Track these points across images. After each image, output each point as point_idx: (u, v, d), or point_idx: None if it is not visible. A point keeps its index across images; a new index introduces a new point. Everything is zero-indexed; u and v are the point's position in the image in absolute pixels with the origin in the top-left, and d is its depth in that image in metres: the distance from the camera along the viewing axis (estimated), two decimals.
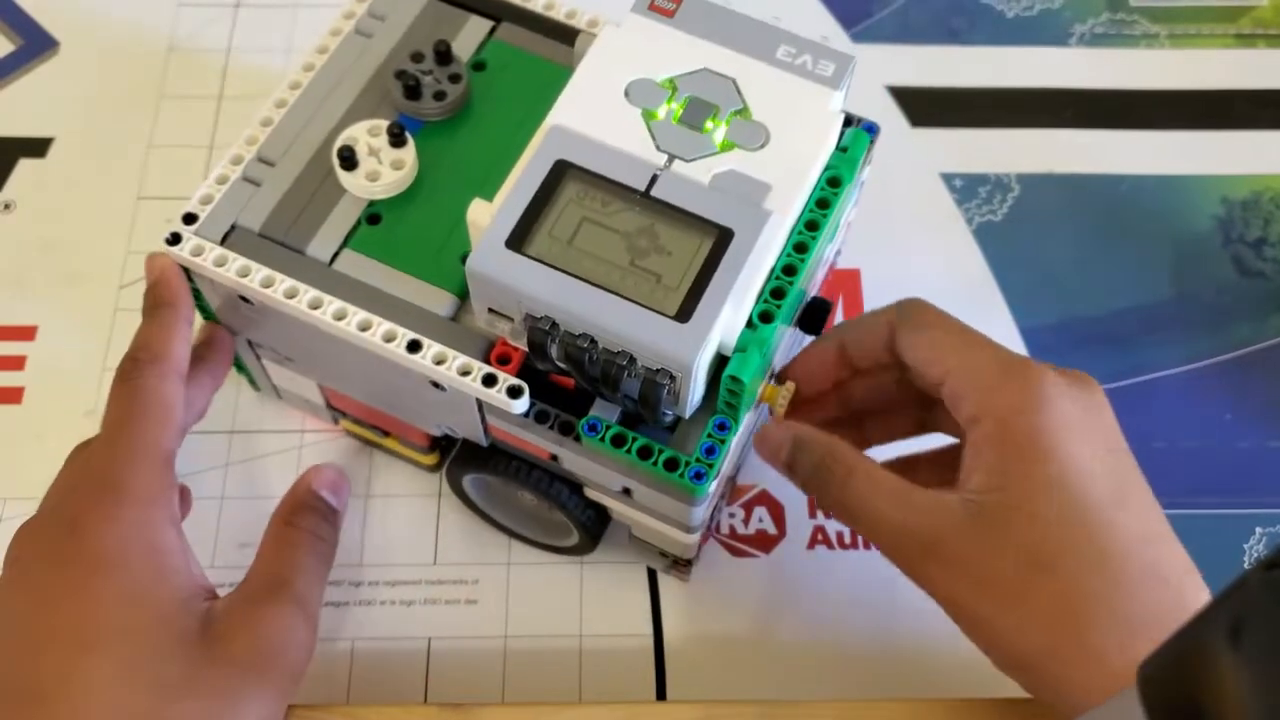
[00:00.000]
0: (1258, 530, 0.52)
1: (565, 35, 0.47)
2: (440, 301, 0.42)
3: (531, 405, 0.40)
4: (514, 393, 0.39)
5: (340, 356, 0.43)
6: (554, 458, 0.43)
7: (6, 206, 0.58)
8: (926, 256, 0.58)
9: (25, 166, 0.60)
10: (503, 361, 0.40)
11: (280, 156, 0.44)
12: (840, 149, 0.42)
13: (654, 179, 0.39)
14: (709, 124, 0.40)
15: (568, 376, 0.40)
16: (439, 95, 0.45)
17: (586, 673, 0.48)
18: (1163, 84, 0.63)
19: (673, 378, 0.37)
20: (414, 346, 0.40)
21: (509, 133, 0.45)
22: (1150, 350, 0.56)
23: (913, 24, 0.65)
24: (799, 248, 0.40)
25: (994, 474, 0.38)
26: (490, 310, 0.39)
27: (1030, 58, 0.64)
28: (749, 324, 0.39)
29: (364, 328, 0.40)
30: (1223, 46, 0.64)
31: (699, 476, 0.39)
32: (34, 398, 0.54)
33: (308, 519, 0.44)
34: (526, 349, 0.39)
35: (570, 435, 0.40)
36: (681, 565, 0.48)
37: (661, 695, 0.48)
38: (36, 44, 0.63)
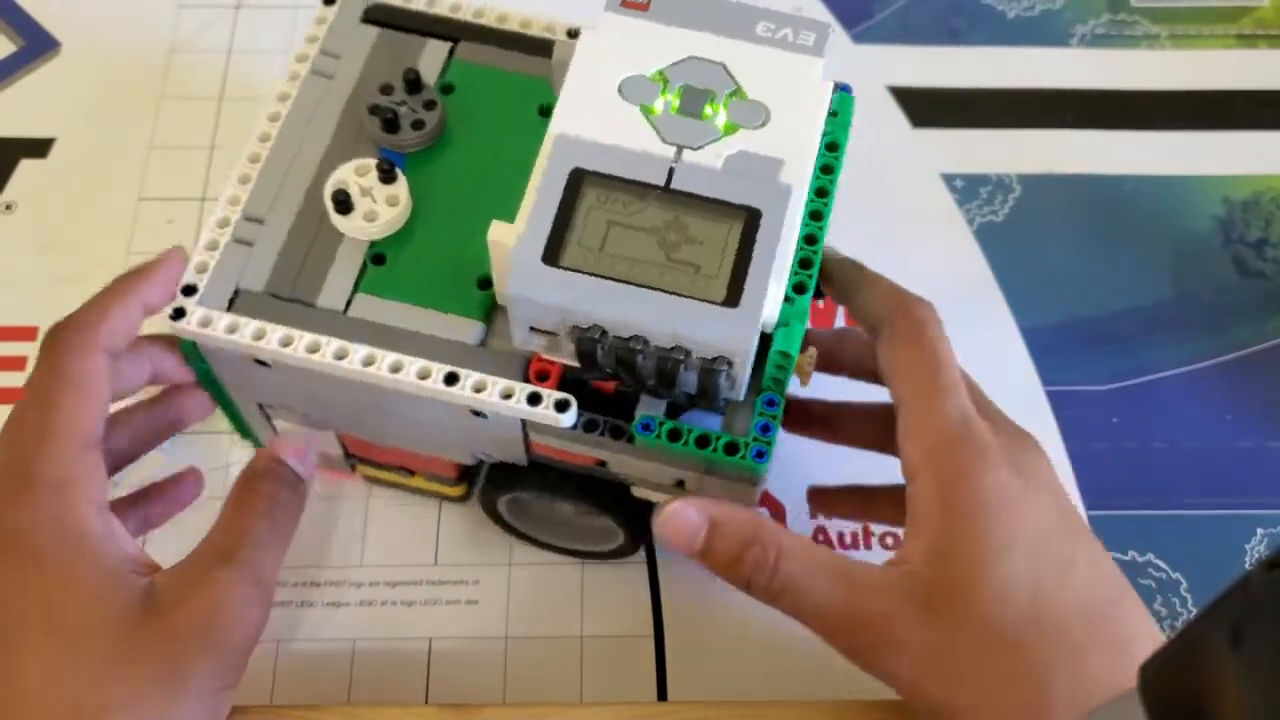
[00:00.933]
0: (1259, 531, 0.52)
1: (525, 45, 0.46)
2: (465, 329, 0.41)
3: (579, 416, 0.40)
4: (562, 407, 0.39)
5: (366, 403, 0.43)
6: (601, 463, 0.43)
7: (8, 207, 0.58)
8: (927, 257, 0.58)
9: (26, 167, 0.60)
10: (542, 378, 0.40)
11: (268, 212, 0.43)
12: (830, 113, 0.43)
13: (671, 172, 0.39)
14: (708, 110, 0.40)
15: (609, 381, 0.40)
16: (417, 124, 0.44)
17: (587, 673, 0.48)
18: (1164, 84, 0.63)
19: (730, 364, 0.37)
20: (451, 379, 0.40)
21: (492, 150, 0.44)
22: (1151, 351, 0.56)
23: (913, 24, 0.65)
24: (814, 215, 0.41)
25: (939, 544, 0.37)
26: (531, 329, 0.39)
27: (1031, 58, 0.64)
28: (785, 298, 0.39)
29: (395, 369, 0.40)
30: (1224, 47, 0.64)
31: (760, 455, 0.39)
32: None
33: (267, 484, 0.42)
34: (566, 362, 0.39)
35: (621, 438, 0.40)
36: None
37: (662, 695, 0.48)
38: (37, 45, 0.63)
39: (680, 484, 0.43)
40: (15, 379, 0.54)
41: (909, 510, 0.38)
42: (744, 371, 0.38)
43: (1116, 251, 0.58)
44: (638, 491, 0.44)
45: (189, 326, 0.41)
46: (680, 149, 0.39)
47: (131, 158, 0.60)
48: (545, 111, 0.45)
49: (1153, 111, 0.62)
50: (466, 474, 0.49)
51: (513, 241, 0.38)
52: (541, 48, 0.46)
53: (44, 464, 0.39)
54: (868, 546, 0.51)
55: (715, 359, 0.37)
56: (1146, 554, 0.51)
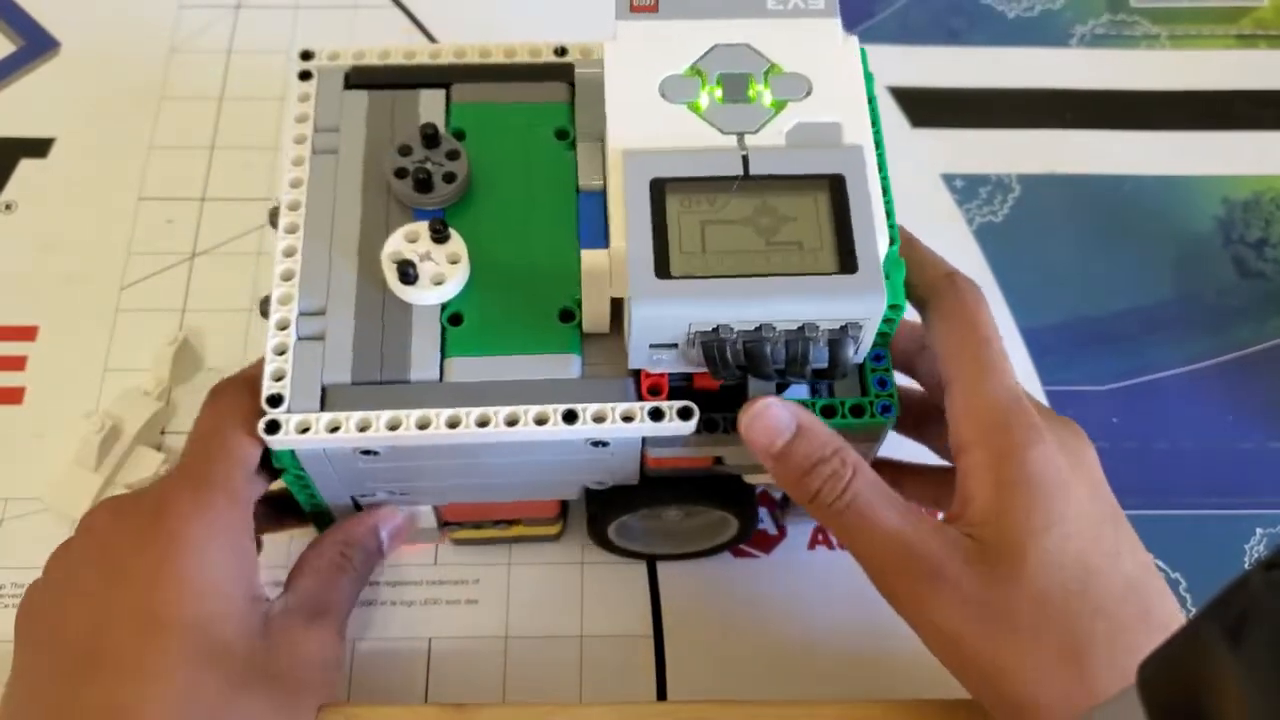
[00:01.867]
0: (1258, 531, 0.52)
1: (517, 74, 0.46)
2: (563, 365, 0.41)
3: (700, 419, 0.40)
4: (685, 414, 0.40)
5: (477, 465, 0.42)
6: (718, 460, 0.43)
7: (8, 207, 0.58)
8: None
9: (26, 167, 0.60)
10: (654, 392, 0.40)
11: (326, 302, 0.41)
12: None
13: (745, 159, 0.39)
14: (752, 92, 0.40)
15: (715, 379, 0.40)
16: (449, 177, 0.43)
17: (587, 672, 0.48)
18: (1163, 84, 0.63)
19: (860, 328, 0.38)
20: (570, 417, 0.39)
21: (522, 183, 0.44)
22: (1152, 351, 0.56)
23: (913, 25, 0.65)
24: None
25: (991, 510, 0.37)
26: (651, 346, 0.39)
27: (1031, 58, 0.64)
28: None
29: (512, 422, 0.39)
30: (1223, 47, 0.64)
31: (886, 409, 0.41)
32: (35, 398, 0.54)
33: (359, 556, 0.44)
34: (671, 371, 0.40)
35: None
36: None
37: (662, 695, 0.48)
38: (37, 44, 0.63)
39: None
40: (16, 379, 0.54)
41: (959, 483, 0.39)
42: (871, 332, 0.38)
43: (1116, 252, 0.58)
44: (749, 479, 0.45)
45: (288, 437, 0.39)
46: (741, 135, 0.40)
47: (131, 158, 0.60)
48: (562, 134, 0.44)
49: (1153, 112, 0.62)
50: (564, 510, 0.49)
51: (607, 267, 0.38)
52: (533, 73, 0.46)
53: (225, 479, 0.40)
54: None
55: (843, 328, 0.38)
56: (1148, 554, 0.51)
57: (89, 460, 0.50)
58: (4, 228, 0.58)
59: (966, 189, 0.60)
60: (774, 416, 0.39)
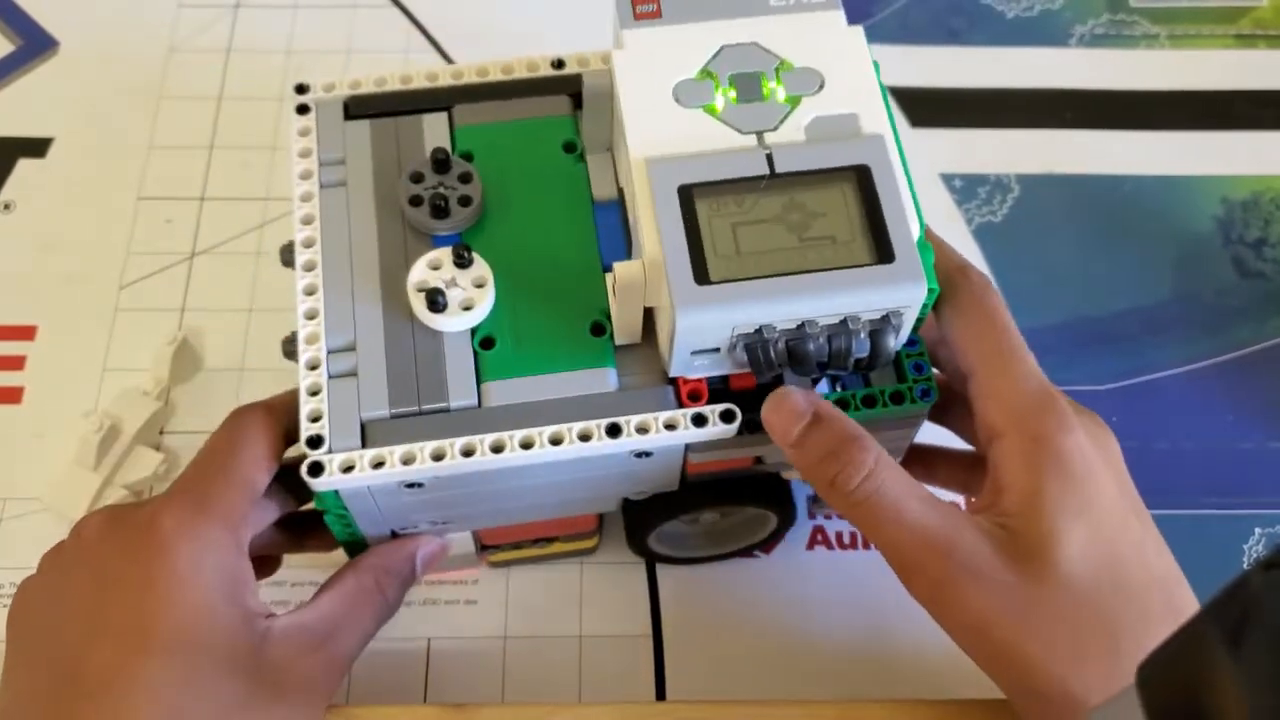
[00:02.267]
0: (1257, 530, 0.52)
1: (517, 91, 0.46)
2: (601, 380, 0.40)
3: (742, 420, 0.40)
4: (728, 418, 0.40)
5: (519, 487, 0.42)
6: (758, 460, 0.43)
7: (6, 206, 0.58)
8: None
9: (25, 166, 0.60)
10: (694, 397, 0.40)
11: (353, 337, 0.41)
12: None
13: (769, 158, 0.39)
14: (765, 90, 0.40)
15: (751, 379, 0.40)
16: (464, 201, 0.42)
17: (586, 673, 0.48)
18: (1163, 84, 0.63)
19: (900, 317, 0.38)
20: (614, 430, 0.39)
21: (539, 200, 0.43)
22: (1151, 351, 0.56)
23: (912, 24, 0.65)
24: None
25: (1026, 497, 0.37)
26: (693, 353, 0.39)
27: (1030, 58, 0.64)
28: None
29: (557, 441, 0.39)
30: (1223, 47, 0.64)
31: (925, 394, 0.41)
32: (34, 398, 0.54)
33: (392, 585, 0.44)
34: (708, 375, 0.40)
35: None
36: None
37: (661, 695, 0.48)
38: (36, 44, 0.63)
39: None
40: (15, 378, 0.54)
41: (992, 471, 0.39)
42: (912, 319, 0.39)
43: (1116, 252, 0.58)
44: (789, 474, 0.45)
45: (333, 478, 0.38)
46: (760, 134, 0.40)
47: (130, 157, 0.60)
48: (569, 148, 0.44)
49: (1152, 111, 0.62)
50: (601, 523, 0.49)
51: (641, 277, 0.38)
52: (534, 88, 0.46)
53: (221, 499, 0.40)
54: (867, 547, 0.51)
55: (883, 318, 0.38)
56: None
57: (88, 460, 0.50)
58: (3, 227, 0.58)
59: (966, 189, 0.60)
60: (792, 405, 0.39)
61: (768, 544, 0.51)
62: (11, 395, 0.54)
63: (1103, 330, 0.56)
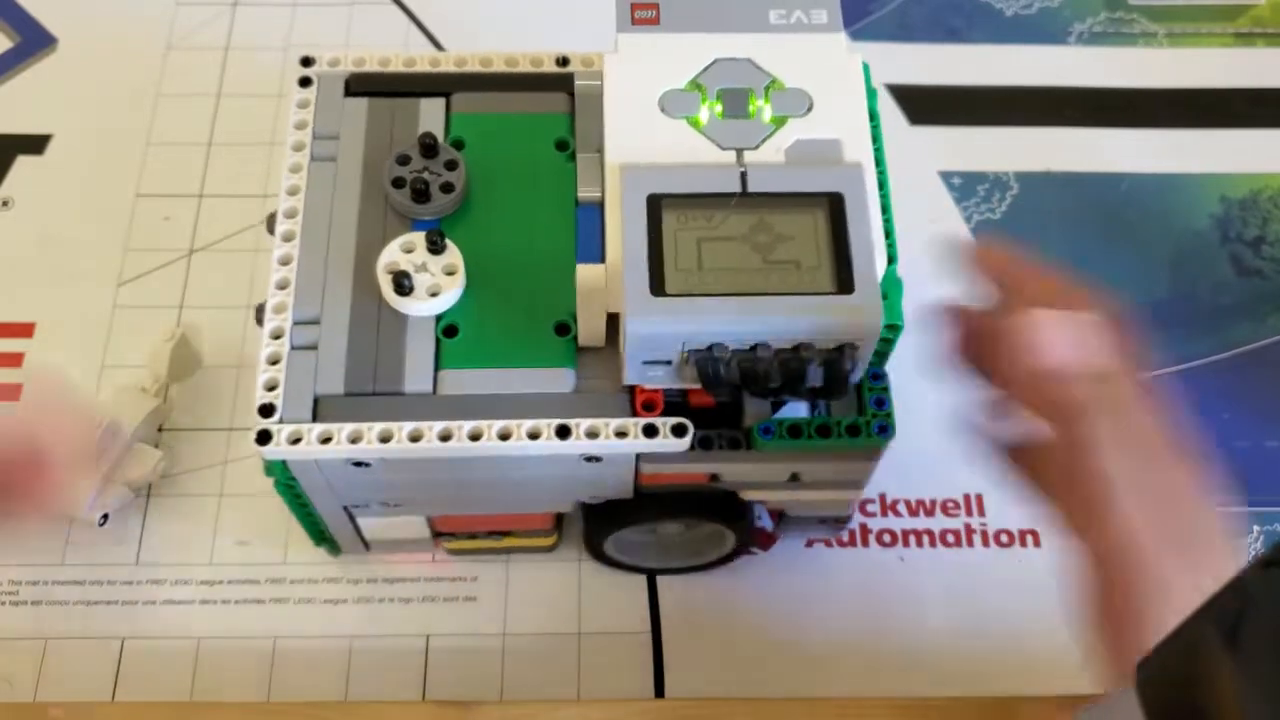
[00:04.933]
0: (1255, 529, 0.52)
1: (518, 84, 0.46)
2: (558, 380, 0.40)
3: (695, 436, 0.40)
4: (679, 431, 0.39)
5: (470, 478, 0.42)
6: (714, 477, 0.43)
7: (5, 203, 0.58)
8: (923, 253, 0.57)
9: (23, 163, 0.59)
10: (648, 408, 0.40)
11: (320, 312, 0.41)
12: None
13: (743, 176, 0.39)
14: (752, 108, 0.40)
15: (710, 396, 0.40)
16: (446, 188, 0.42)
17: (585, 670, 0.48)
18: (1161, 83, 0.63)
19: (855, 348, 0.37)
20: (563, 432, 0.39)
21: (521, 194, 0.43)
22: (1151, 349, 0.56)
23: (911, 22, 0.65)
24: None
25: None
26: (644, 363, 0.38)
27: (1029, 56, 0.64)
28: None
29: (505, 436, 0.39)
30: (1221, 45, 0.64)
31: (883, 429, 0.41)
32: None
33: None
34: (667, 387, 0.40)
35: (739, 448, 0.41)
36: (839, 522, 0.49)
37: (660, 692, 0.48)
38: (34, 41, 0.63)
39: (795, 477, 0.43)
40: (13, 375, 0.54)
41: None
42: (868, 352, 0.38)
43: (1114, 249, 0.58)
44: (746, 494, 0.45)
45: (279, 448, 0.39)
46: (740, 151, 0.39)
47: (129, 154, 0.60)
48: (562, 145, 0.44)
49: (1150, 109, 0.62)
50: (559, 522, 0.49)
51: (603, 282, 0.38)
52: (534, 83, 0.46)
53: None
54: (865, 545, 0.51)
55: (839, 348, 0.37)
56: None
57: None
58: (2, 225, 0.58)
59: (964, 186, 0.60)
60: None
61: (724, 562, 0.50)
62: (9, 392, 0.54)
63: None
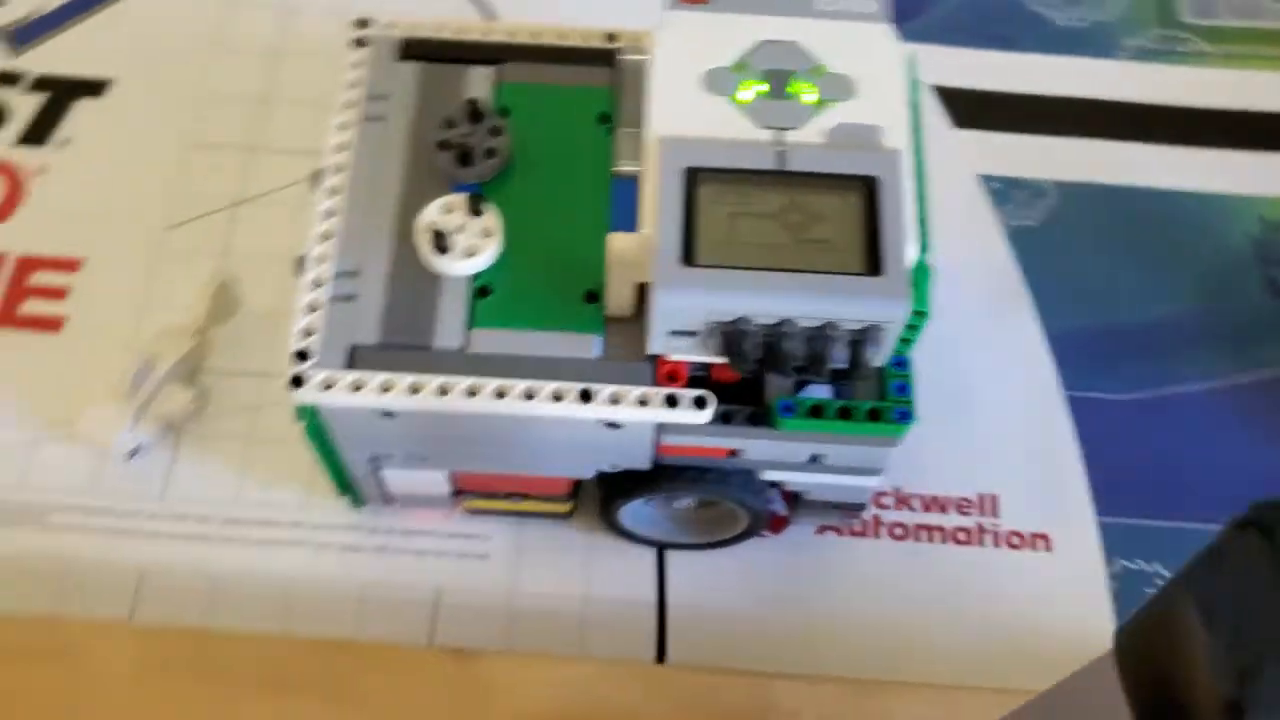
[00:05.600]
0: None
1: (567, 57, 0.47)
2: (584, 345, 0.41)
3: (716, 410, 0.41)
4: (700, 404, 0.40)
5: (493, 435, 0.43)
6: (733, 453, 0.43)
7: (64, 142, 0.60)
8: (958, 254, 0.58)
9: (84, 105, 0.61)
10: (672, 379, 0.41)
11: (360, 265, 0.43)
12: None
13: (781, 155, 0.39)
14: (795, 89, 0.41)
15: (735, 371, 0.40)
16: (489, 153, 0.44)
17: (587, 634, 0.49)
18: (1208, 102, 0.63)
19: (881, 331, 0.38)
20: (586, 396, 0.40)
21: (561, 164, 0.44)
22: (1175, 365, 0.56)
23: (962, 26, 0.65)
24: None
25: None
26: (670, 333, 0.39)
27: (1078, 67, 0.64)
28: None
29: (529, 396, 0.40)
30: (1272, 69, 0.64)
31: (904, 416, 0.41)
32: (73, 328, 0.55)
33: None
34: (691, 359, 0.40)
35: (760, 424, 0.41)
36: (853, 510, 0.49)
37: (661, 662, 0.49)
38: None
39: (814, 459, 0.44)
40: (59, 307, 0.55)
41: None
42: (893, 337, 0.39)
43: (1148, 264, 0.59)
44: (766, 474, 0.45)
45: (312, 392, 0.40)
46: (780, 131, 0.40)
47: (185, 104, 0.61)
48: (604, 119, 0.45)
49: (1196, 128, 0.62)
50: (576, 490, 0.49)
51: (634, 252, 0.39)
52: (582, 57, 0.47)
53: None
54: (876, 536, 0.52)
55: (865, 329, 0.38)
56: (1154, 563, 0.51)
57: (122, 390, 0.51)
58: (59, 163, 0.59)
59: (1003, 191, 0.60)
60: None
61: (735, 542, 0.50)
62: (53, 324, 0.55)
63: (1128, 340, 0.57)
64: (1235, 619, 0.19)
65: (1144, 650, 0.22)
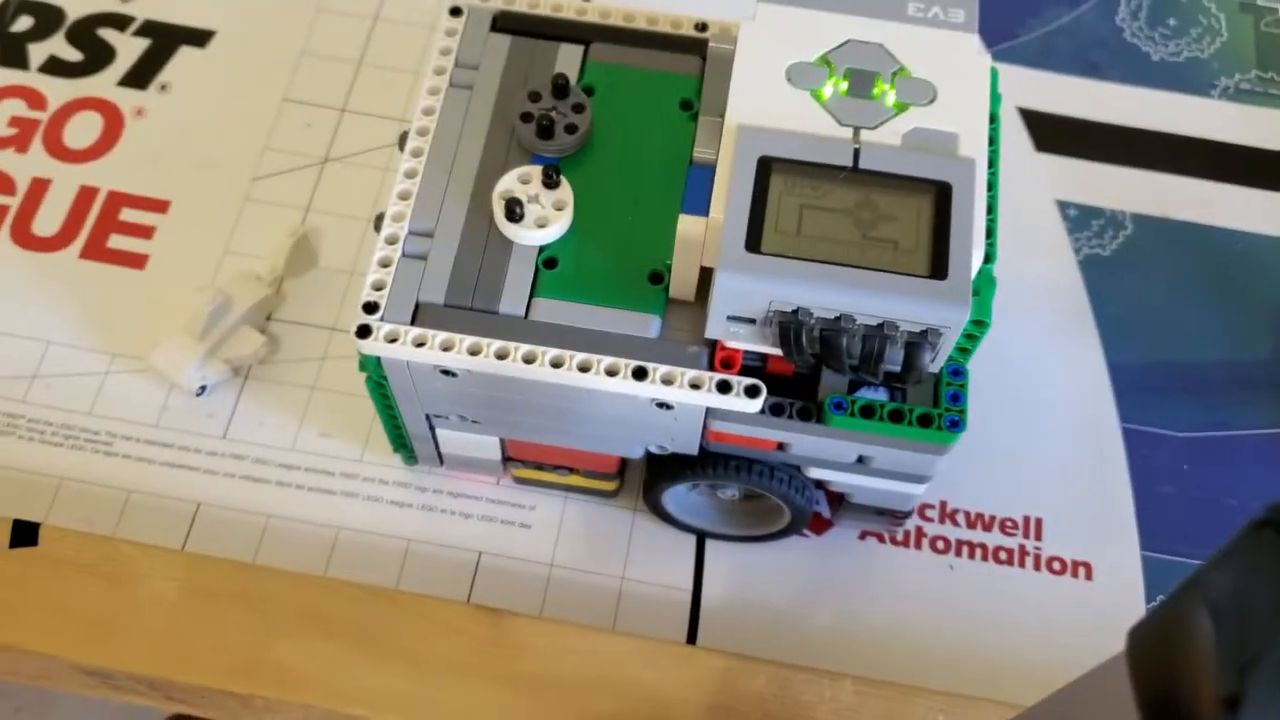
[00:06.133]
0: None
1: (655, 42, 0.48)
2: (643, 324, 0.42)
3: (767, 401, 0.41)
4: (752, 392, 0.41)
5: (546, 404, 0.44)
6: (780, 446, 0.44)
7: (163, 87, 0.62)
8: (1028, 275, 0.58)
9: (186, 53, 0.63)
10: (726, 366, 0.41)
11: (434, 226, 0.44)
12: None
13: (856, 152, 0.40)
14: (876, 90, 0.41)
15: (790, 364, 0.41)
16: (570, 128, 0.44)
17: (622, 612, 0.50)
18: None
19: (939, 335, 0.38)
20: (640, 373, 0.41)
21: (639, 147, 0.45)
22: (1236, 408, 0.56)
23: (1054, 52, 0.65)
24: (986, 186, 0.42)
25: None
26: (729, 318, 0.40)
27: (1167, 102, 0.63)
28: None
29: (584, 368, 0.41)
30: None
31: (954, 425, 0.41)
32: (155, 266, 0.57)
33: None
34: (747, 348, 0.41)
35: (810, 419, 0.42)
36: (898, 517, 0.49)
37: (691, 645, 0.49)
38: None
39: (861, 460, 0.44)
40: (143, 245, 0.57)
41: None
42: (951, 343, 0.39)
43: (1218, 304, 0.58)
44: (811, 472, 0.46)
45: (375, 344, 0.42)
46: (857, 130, 0.40)
47: (283, 60, 0.63)
48: (686, 105, 0.46)
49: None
50: (623, 469, 0.50)
51: (703, 235, 0.40)
52: (671, 44, 0.47)
53: None
54: (919, 547, 0.52)
55: (923, 332, 0.38)
56: None
57: (195, 329, 0.53)
58: (156, 106, 0.61)
59: (1079, 218, 0.60)
60: None
61: (776, 538, 0.51)
62: (137, 260, 0.57)
63: (1190, 378, 0.56)
64: (1240, 615, 0.19)
65: (1155, 650, 0.22)
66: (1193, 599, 0.20)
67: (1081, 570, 0.52)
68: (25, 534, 0.49)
